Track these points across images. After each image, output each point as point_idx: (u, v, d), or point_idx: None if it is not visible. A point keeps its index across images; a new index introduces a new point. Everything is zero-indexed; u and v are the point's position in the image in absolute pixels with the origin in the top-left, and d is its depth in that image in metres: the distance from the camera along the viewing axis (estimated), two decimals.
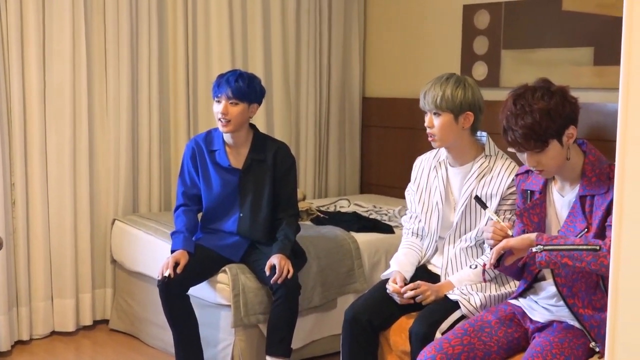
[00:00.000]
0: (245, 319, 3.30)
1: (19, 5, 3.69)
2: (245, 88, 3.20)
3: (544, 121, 2.18)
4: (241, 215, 3.35)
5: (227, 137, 3.33)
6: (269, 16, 4.65)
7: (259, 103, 3.32)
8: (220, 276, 3.35)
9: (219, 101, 3.22)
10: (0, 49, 3.65)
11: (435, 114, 2.71)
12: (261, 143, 3.36)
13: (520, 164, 2.47)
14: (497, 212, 2.68)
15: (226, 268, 3.33)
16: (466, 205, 2.75)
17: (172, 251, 3.26)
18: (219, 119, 3.23)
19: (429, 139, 2.76)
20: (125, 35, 4.05)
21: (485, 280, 2.57)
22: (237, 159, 3.35)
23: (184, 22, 4.31)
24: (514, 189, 2.63)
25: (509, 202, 2.69)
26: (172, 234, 3.37)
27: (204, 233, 3.43)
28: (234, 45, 4.47)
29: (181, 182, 3.45)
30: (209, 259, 3.33)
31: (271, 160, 3.32)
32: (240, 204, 3.35)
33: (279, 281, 3.11)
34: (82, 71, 3.91)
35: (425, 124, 2.75)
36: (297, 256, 3.36)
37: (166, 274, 3.15)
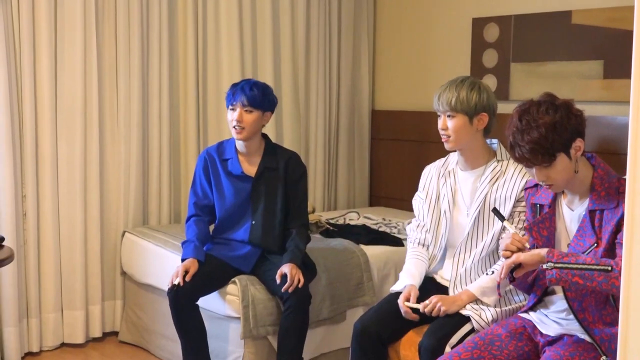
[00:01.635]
0: (255, 331, 3.30)
1: (31, 18, 3.72)
2: (260, 96, 3.26)
3: (550, 135, 2.18)
4: (253, 223, 3.36)
5: (240, 146, 3.37)
6: (278, 28, 4.67)
7: (272, 112, 3.37)
8: (230, 287, 3.35)
9: (233, 109, 3.27)
10: (13, 60, 3.68)
11: (449, 115, 2.70)
12: (273, 152, 3.40)
13: None
14: (511, 214, 2.67)
15: (236, 279, 3.33)
16: (479, 211, 2.74)
17: (183, 260, 3.28)
18: (234, 127, 3.27)
19: (443, 139, 2.74)
20: (136, 47, 4.08)
21: (500, 295, 2.56)
22: (249, 167, 3.38)
23: (194, 34, 4.34)
24: None
25: (523, 203, 2.67)
26: (183, 243, 3.39)
27: (214, 244, 3.44)
28: (243, 57, 4.49)
29: (193, 193, 3.47)
30: (219, 270, 3.33)
31: (283, 169, 3.36)
32: (253, 211, 3.37)
33: (290, 290, 3.12)
34: (93, 84, 3.94)
35: (439, 126, 2.74)
36: (307, 268, 3.36)
37: (175, 282, 3.16)
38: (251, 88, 3.26)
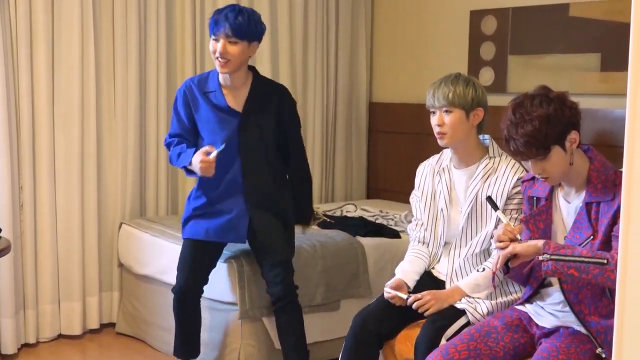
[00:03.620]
0: (251, 312, 3.31)
1: (28, 10, 3.71)
2: (245, 25, 2.95)
3: (544, 128, 2.19)
4: (243, 161, 3.11)
5: (224, 79, 3.09)
6: (276, 21, 4.66)
7: (259, 41, 3.07)
8: (226, 270, 3.35)
9: (216, 40, 2.97)
10: (10, 52, 3.67)
11: (446, 111, 2.70)
12: (262, 85, 3.14)
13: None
14: (503, 211, 2.67)
15: (232, 261, 3.33)
16: (472, 208, 2.74)
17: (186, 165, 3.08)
18: (217, 58, 2.99)
19: (438, 136, 2.73)
20: (134, 39, 4.07)
21: (494, 287, 2.56)
22: (235, 101, 3.10)
23: (192, 25, 4.33)
24: (519, 188, 2.63)
25: (515, 201, 2.68)
26: (176, 154, 3.13)
27: (199, 218, 3.20)
28: None
29: (177, 125, 3.17)
30: (211, 252, 3.23)
31: (276, 104, 3.13)
32: (242, 150, 3.10)
33: None
34: (90, 75, 3.93)
35: (435, 123, 2.72)
36: (289, 247, 3.23)
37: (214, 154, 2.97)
38: (236, 16, 2.93)
